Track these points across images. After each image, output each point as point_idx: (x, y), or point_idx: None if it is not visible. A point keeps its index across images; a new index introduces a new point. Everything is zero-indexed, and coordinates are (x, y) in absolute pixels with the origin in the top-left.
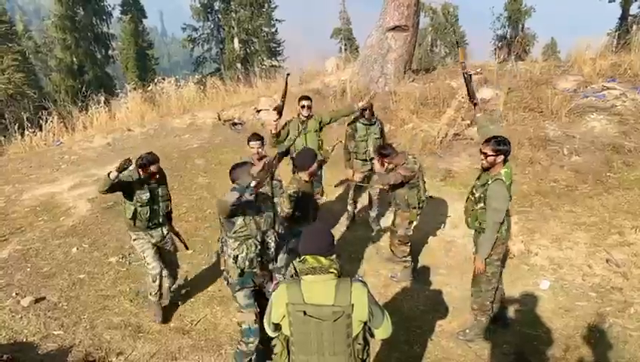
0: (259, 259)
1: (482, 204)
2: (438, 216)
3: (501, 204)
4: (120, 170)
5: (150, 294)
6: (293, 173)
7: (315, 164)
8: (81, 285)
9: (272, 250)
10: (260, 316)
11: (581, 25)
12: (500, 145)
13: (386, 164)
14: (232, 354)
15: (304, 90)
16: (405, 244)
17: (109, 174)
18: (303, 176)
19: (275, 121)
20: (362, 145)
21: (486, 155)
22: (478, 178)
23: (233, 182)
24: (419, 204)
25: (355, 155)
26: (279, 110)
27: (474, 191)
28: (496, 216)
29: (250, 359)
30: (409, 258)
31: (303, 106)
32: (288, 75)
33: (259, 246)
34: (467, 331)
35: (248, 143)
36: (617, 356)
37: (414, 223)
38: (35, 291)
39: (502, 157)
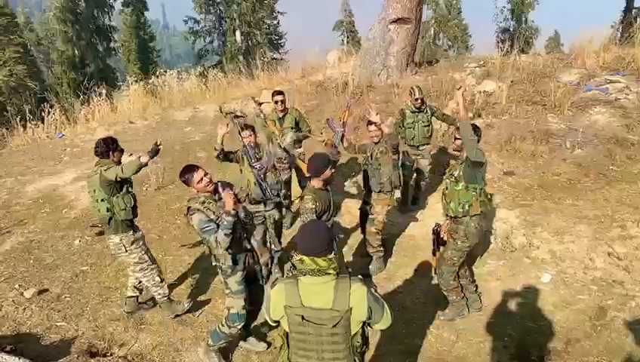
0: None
1: (463, 182)
2: (439, 209)
3: (479, 153)
4: (153, 154)
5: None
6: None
7: (329, 170)
8: (83, 277)
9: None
10: (250, 301)
11: (585, 17)
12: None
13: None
14: (212, 332)
15: (306, 83)
16: (380, 233)
17: (139, 158)
18: (316, 183)
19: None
20: (410, 132)
21: (457, 138)
22: (450, 167)
23: (186, 183)
24: (399, 183)
25: (404, 141)
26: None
27: (452, 173)
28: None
29: (229, 341)
30: (382, 247)
31: (276, 102)
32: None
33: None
34: (447, 311)
35: (240, 133)
36: (618, 349)
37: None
38: (38, 283)
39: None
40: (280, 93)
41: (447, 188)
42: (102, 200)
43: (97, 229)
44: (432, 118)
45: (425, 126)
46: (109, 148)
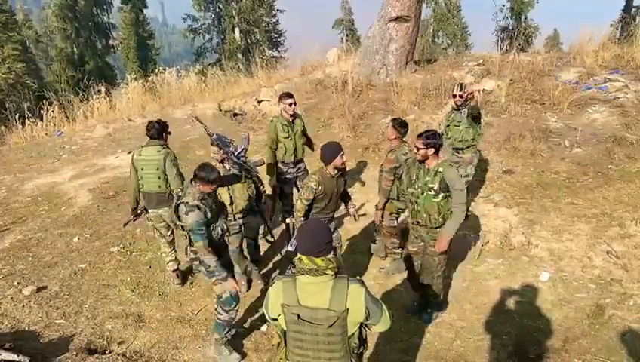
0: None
1: (444, 194)
2: None
3: (462, 185)
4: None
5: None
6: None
7: (340, 157)
8: (82, 274)
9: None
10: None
11: (584, 16)
12: (430, 139)
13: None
14: (212, 328)
15: (306, 81)
16: (394, 235)
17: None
18: (330, 170)
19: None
20: (446, 130)
21: (418, 149)
22: (417, 178)
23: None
24: (398, 196)
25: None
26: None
27: (429, 186)
28: (462, 197)
29: (231, 328)
30: (399, 249)
31: (290, 104)
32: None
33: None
34: (429, 311)
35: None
36: (616, 347)
37: (404, 214)
38: (36, 280)
39: (432, 150)
40: (291, 95)
41: (418, 201)
42: (165, 178)
43: (133, 214)
44: (468, 119)
45: (456, 126)
46: (163, 129)
